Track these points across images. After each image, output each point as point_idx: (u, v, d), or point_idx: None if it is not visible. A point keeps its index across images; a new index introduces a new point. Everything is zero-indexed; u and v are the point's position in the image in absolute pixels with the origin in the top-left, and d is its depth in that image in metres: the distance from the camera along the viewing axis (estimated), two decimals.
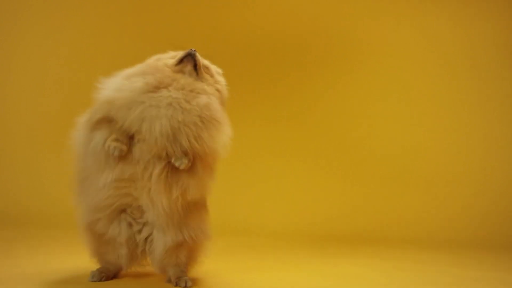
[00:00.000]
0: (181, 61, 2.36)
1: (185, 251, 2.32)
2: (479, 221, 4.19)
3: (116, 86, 2.22)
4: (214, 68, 2.48)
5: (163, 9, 4.60)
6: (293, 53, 4.63)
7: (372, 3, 4.62)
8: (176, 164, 2.18)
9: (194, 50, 2.38)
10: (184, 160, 2.19)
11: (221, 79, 2.49)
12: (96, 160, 2.20)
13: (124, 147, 2.18)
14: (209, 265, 2.68)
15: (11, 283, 2.25)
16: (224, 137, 2.28)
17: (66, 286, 2.27)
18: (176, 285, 2.29)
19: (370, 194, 4.37)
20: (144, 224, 2.29)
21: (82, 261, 2.53)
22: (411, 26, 4.58)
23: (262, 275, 2.65)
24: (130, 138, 2.19)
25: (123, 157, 2.19)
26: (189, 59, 2.36)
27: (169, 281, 2.35)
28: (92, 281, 2.30)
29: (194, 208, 2.30)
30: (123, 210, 2.28)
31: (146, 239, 2.30)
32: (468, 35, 4.51)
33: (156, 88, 2.21)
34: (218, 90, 2.42)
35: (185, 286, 2.27)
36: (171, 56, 2.42)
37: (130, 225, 2.29)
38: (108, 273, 2.35)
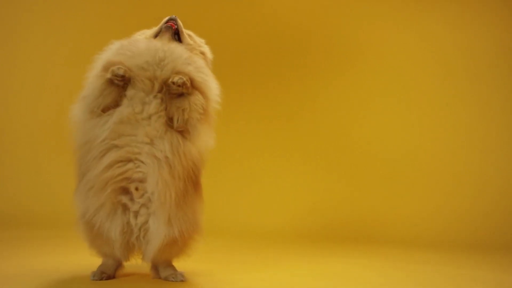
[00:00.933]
0: (159, 31, 2.37)
1: (177, 248, 2.28)
2: (478, 221, 4.19)
3: (99, 68, 2.25)
4: (197, 38, 2.47)
5: (163, 9, 4.61)
6: (292, 52, 4.63)
7: (372, 5, 4.62)
8: (175, 80, 2.12)
9: (175, 16, 2.37)
10: (181, 76, 2.13)
11: (205, 46, 2.46)
12: (94, 91, 2.18)
13: (127, 69, 2.14)
14: (204, 265, 2.69)
15: (12, 283, 2.25)
16: (212, 82, 2.25)
17: (67, 285, 2.27)
18: (172, 279, 2.31)
19: (368, 194, 4.38)
20: (142, 206, 2.18)
21: (83, 260, 2.53)
22: (411, 27, 4.59)
23: (257, 275, 2.64)
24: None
25: (118, 105, 2.16)
26: (167, 28, 2.35)
27: (158, 277, 2.35)
28: (94, 280, 2.28)
29: (189, 194, 2.21)
30: (123, 190, 2.17)
31: (141, 226, 2.19)
32: (467, 36, 4.51)
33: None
34: (202, 53, 2.40)
35: (182, 280, 2.29)
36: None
37: (125, 209, 2.18)
38: (109, 272, 2.33)
